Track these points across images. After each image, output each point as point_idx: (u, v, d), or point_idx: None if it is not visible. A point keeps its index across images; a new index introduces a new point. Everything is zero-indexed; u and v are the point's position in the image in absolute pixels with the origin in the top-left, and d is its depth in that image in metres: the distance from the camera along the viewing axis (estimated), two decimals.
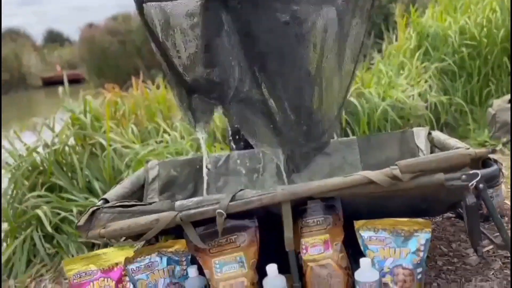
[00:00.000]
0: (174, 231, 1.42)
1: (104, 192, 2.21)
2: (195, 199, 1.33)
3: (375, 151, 1.87)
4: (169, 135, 2.87)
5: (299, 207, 1.34)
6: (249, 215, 1.35)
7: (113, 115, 2.88)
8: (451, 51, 3.23)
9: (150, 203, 1.43)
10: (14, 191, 2.16)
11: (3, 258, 2.00)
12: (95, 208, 1.37)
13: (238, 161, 1.95)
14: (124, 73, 12.20)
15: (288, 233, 1.28)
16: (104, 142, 2.34)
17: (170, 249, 1.38)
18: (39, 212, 2.00)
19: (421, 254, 1.22)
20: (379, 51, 3.95)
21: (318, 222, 1.32)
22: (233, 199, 1.28)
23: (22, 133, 2.40)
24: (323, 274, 1.27)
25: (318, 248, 1.29)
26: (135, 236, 1.37)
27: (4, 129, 2.37)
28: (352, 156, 1.90)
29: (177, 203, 1.33)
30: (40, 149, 2.28)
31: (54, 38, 30.00)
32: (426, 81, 3.04)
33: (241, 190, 1.32)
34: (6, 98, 16.30)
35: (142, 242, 1.50)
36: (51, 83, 17.58)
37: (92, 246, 2.03)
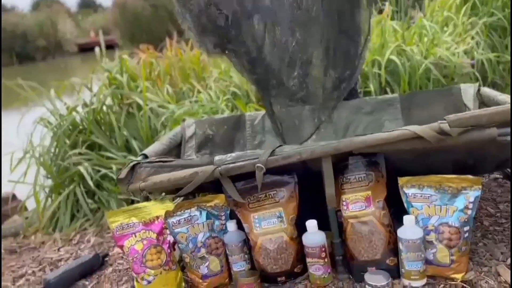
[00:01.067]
0: (212, 188, 1.43)
1: (141, 150, 2.26)
2: (233, 154, 1.32)
3: (418, 110, 1.79)
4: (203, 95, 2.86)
5: (340, 163, 1.31)
6: (288, 171, 1.34)
7: (148, 76, 2.89)
8: (501, 5, 3.02)
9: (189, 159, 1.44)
10: (57, 149, 2.22)
11: (48, 212, 2.08)
12: (135, 162, 1.38)
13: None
14: (157, 38, 12.16)
15: (329, 189, 1.25)
16: (140, 102, 2.35)
17: (209, 204, 1.39)
18: (81, 168, 2.05)
19: (469, 212, 1.17)
20: (420, 8, 3.74)
21: (360, 179, 1.28)
22: (272, 154, 1.26)
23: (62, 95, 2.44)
24: (364, 230, 1.24)
25: (359, 204, 1.26)
26: (174, 190, 1.38)
27: (45, 90, 2.41)
28: (393, 115, 1.83)
29: (216, 157, 1.32)
30: (79, 108, 2.32)
31: (88, 4, 30.22)
32: (472, 38, 2.86)
33: (280, 146, 1.30)
34: (43, 64, 16.74)
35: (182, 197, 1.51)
36: (86, 49, 17.88)
37: (131, 203, 2.08)
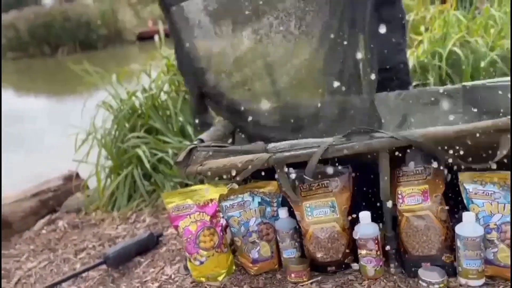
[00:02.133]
0: (264, 174, 1.45)
1: (196, 136, 2.32)
2: (288, 142, 1.32)
3: (482, 102, 1.71)
4: None
5: (397, 155, 1.28)
6: (343, 161, 1.32)
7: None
8: None
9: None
10: (117, 132, 2.33)
11: (108, 192, 2.19)
12: (192, 146, 1.42)
13: None
14: None
15: (384, 183, 1.23)
16: None
17: (262, 190, 1.41)
18: (139, 151, 2.14)
19: None
20: None
21: (417, 172, 1.25)
22: (327, 145, 1.25)
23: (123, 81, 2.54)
24: (420, 225, 1.21)
25: (415, 198, 1.23)
26: (229, 174, 1.41)
27: (108, 75, 2.53)
28: (454, 107, 1.75)
29: (270, 145, 1.33)
30: (138, 94, 2.41)
31: None
32: None
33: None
34: (104, 52, 17.46)
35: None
36: (144, 38, 18.43)
37: (185, 186, 2.14)
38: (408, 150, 1.27)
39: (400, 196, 1.25)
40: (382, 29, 1.76)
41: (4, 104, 9.23)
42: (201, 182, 1.49)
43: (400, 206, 1.25)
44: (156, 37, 2.66)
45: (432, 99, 1.76)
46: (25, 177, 3.58)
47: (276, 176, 1.34)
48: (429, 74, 2.53)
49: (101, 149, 2.25)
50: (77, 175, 2.39)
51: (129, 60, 15.36)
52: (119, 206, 2.14)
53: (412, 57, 2.59)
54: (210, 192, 1.44)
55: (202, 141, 1.55)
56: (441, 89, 1.77)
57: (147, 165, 2.10)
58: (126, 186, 2.17)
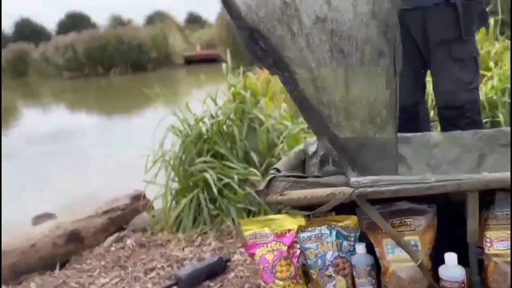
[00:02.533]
0: (339, 208, 1.45)
1: (260, 163, 2.36)
2: (371, 177, 1.32)
3: None
4: None
5: (485, 197, 1.26)
6: (428, 200, 1.31)
7: (266, 92, 3.01)
8: None
9: (318, 177, 1.48)
10: (184, 155, 2.41)
11: (174, 213, 2.25)
12: (272, 175, 1.45)
13: (401, 143, 1.89)
14: None
15: (473, 225, 1.21)
16: (262, 117, 2.46)
17: (340, 224, 1.41)
18: (206, 175, 2.20)
19: None
20: None
21: (508, 216, 1.22)
22: (413, 183, 1.25)
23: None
24: (510, 271, 1.17)
25: (505, 243, 1.19)
26: (309, 206, 1.43)
27: (177, 100, 2.64)
28: None
29: (353, 179, 1.34)
30: (206, 120, 2.50)
31: (195, 20, 32.31)
32: None
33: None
34: (152, 74, 18.19)
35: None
36: (192, 61, 19.07)
37: (248, 212, 2.18)
38: (497, 193, 1.24)
39: (488, 240, 1.22)
40: (453, 67, 1.77)
41: (57, 120, 9.75)
42: (279, 212, 1.51)
43: (488, 250, 1.22)
44: (224, 66, 2.76)
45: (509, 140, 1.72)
46: (82, 194, 3.77)
47: (356, 210, 1.34)
48: (499, 111, 2.48)
49: (170, 172, 2.33)
50: (144, 195, 2.48)
51: (177, 83, 15.94)
52: (184, 228, 2.19)
53: (480, 93, 2.55)
54: (287, 222, 1.45)
55: (278, 170, 1.59)
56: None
57: (214, 190, 2.15)
58: (192, 209, 2.22)
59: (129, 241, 2.17)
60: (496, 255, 1.20)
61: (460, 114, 1.80)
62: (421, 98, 1.95)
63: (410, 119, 1.93)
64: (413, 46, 1.82)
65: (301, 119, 2.81)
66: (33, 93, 17.24)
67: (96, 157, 5.31)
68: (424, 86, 1.97)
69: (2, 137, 7.87)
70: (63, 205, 3.39)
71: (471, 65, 1.77)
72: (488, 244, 1.22)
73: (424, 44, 1.79)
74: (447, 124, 1.85)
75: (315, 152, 1.98)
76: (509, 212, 1.22)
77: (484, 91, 2.59)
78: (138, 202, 2.44)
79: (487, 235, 1.22)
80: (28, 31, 33.23)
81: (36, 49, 22.41)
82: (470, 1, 1.68)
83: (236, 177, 2.22)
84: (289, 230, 1.45)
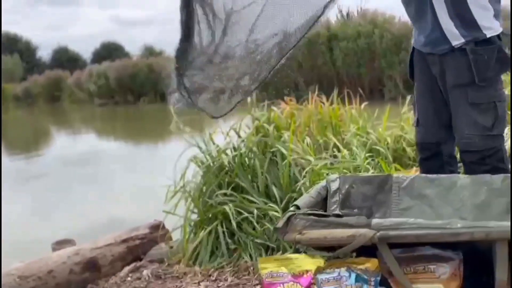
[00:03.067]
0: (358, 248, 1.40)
1: (281, 198, 2.33)
2: (394, 219, 1.29)
3: None
4: (339, 150, 2.89)
5: None
6: (452, 246, 1.26)
7: (289, 126, 3.01)
8: None
9: (339, 215, 1.45)
10: (204, 187, 2.41)
11: (192, 245, 2.23)
12: (291, 213, 1.42)
13: (426, 184, 1.84)
14: (285, 87, 12.73)
15: (502, 275, 1.14)
16: (284, 151, 2.45)
17: (360, 266, 1.36)
18: (226, 208, 2.18)
19: None
20: None
21: None
22: (438, 227, 1.20)
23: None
24: None
25: None
26: (327, 247, 1.39)
27: (202, 131, 2.67)
28: None
29: (374, 221, 1.30)
30: (228, 152, 2.50)
31: None
32: None
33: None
34: None
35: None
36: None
37: (267, 248, 2.14)
38: None
39: None
40: (469, 111, 1.72)
41: (86, 145, 10.00)
42: (297, 251, 1.47)
43: None
44: (249, 99, 2.78)
45: None
46: (104, 219, 3.81)
47: (377, 253, 1.29)
48: None
49: (190, 203, 2.33)
50: (163, 225, 2.48)
51: (203, 113, 16.16)
52: (201, 261, 2.16)
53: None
54: (306, 262, 1.41)
55: (298, 207, 1.56)
56: None
57: (233, 223, 2.13)
58: (210, 241, 2.20)
59: (145, 272, 2.15)
60: None
61: (480, 160, 1.74)
62: (445, 137, 1.89)
63: (432, 158, 1.88)
64: (437, 85, 1.80)
65: (323, 153, 2.79)
66: (65, 119, 17.83)
67: (120, 184, 5.38)
68: (449, 126, 1.92)
69: (35, 158, 8.13)
70: (85, 229, 3.43)
71: (490, 111, 1.71)
72: None
73: (444, 86, 1.77)
74: (468, 169, 1.79)
75: (337, 189, 1.95)
76: None
77: None
78: (157, 232, 2.44)
79: None
80: (65, 59, 34.71)
81: (71, 76, 23.29)
82: (482, 47, 1.65)
83: (255, 211, 2.19)
84: (307, 271, 1.40)
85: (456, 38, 1.67)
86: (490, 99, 1.71)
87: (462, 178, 1.75)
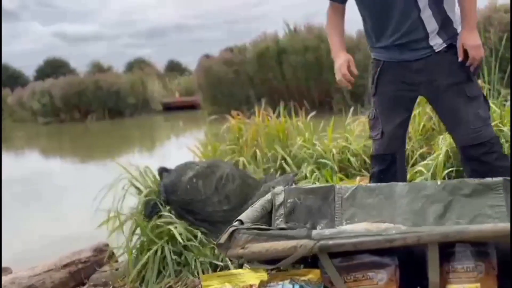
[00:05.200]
0: (304, 260, 1.42)
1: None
2: (333, 230, 1.31)
3: None
4: (287, 162, 2.93)
5: (446, 249, 1.25)
6: (389, 252, 1.29)
7: (237, 141, 3.02)
8: None
9: (284, 229, 1.45)
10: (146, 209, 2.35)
11: (137, 267, 2.16)
12: (233, 228, 1.42)
13: (367, 194, 1.89)
14: (237, 101, 12.83)
15: (434, 277, 1.19)
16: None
17: (303, 278, 1.37)
18: (171, 228, 2.14)
19: None
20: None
21: (468, 269, 1.21)
22: (374, 235, 1.24)
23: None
24: None
25: None
26: (271, 260, 1.39)
27: (154, 146, 2.61)
28: (496, 201, 1.72)
29: (314, 231, 1.32)
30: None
31: (175, 67, 32.82)
32: None
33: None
34: (130, 120, 18.13)
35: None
36: (171, 108, 19.15)
37: (216, 266, 2.11)
38: (456, 245, 1.24)
39: None
40: (470, 106, 1.81)
41: (29, 165, 9.50)
42: (240, 266, 1.46)
43: None
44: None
45: (472, 191, 1.73)
46: (46, 241, 3.60)
47: (319, 264, 1.31)
48: None
49: (134, 223, 2.26)
50: (107, 247, 2.38)
51: (154, 129, 15.92)
52: (148, 282, 2.10)
53: None
54: (249, 277, 1.40)
55: (241, 222, 1.55)
56: (481, 181, 1.74)
57: (179, 243, 2.08)
58: (156, 262, 2.14)
59: None
60: None
61: (488, 150, 1.80)
62: (401, 147, 1.98)
63: (388, 168, 1.96)
64: (405, 95, 1.87)
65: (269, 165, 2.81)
66: (6, 137, 16.88)
67: (66, 204, 5.14)
68: (404, 136, 1.99)
69: None
70: (24, 253, 3.23)
71: (484, 102, 1.84)
72: None
73: (431, 90, 1.83)
74: (476, 163, 1.82)
75: (282, 202, 1.96)
76: (469, 266, 1.21)
77: (449, 141, 2.65)
78: (101, 254, 2.34)
79: None
80: (5, 76, 33.02)
81: (12, 94, 22.18)
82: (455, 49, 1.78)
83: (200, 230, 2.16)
84: (251, 286, 1.39)
85: (439, 42, 1.78)
86: (481, 91, 1.85)
87: (400, 186, 1.82)
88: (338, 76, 1.88)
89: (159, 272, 2.15)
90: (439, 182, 1.77)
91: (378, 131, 1.93)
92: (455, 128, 1.86)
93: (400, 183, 1.86)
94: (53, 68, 31.17)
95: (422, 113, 2.98)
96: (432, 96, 1.88)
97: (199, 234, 2.18)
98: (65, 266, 2.21)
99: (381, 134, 1.92)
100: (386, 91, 1.91)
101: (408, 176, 2.26)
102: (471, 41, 1.73)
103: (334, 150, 3.02)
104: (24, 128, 18.58)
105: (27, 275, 2.12)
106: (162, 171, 2.36)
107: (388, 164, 1.95)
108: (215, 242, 2.08)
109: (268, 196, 1.96)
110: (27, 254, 3.05)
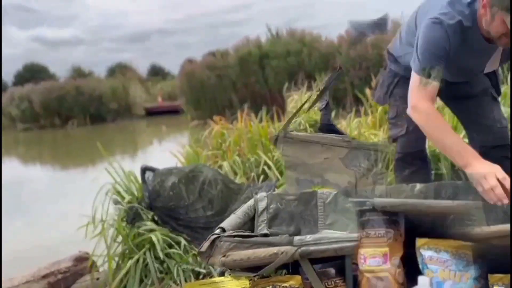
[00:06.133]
0: (286, 266, 1.42)
1: None
2: (315, 235, 1.32)
3: None
4: (269, 167, 2.93)
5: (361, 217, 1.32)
6: None
7: (219, 146, 3.01)
8: None
9: (267, 235, 1.46)
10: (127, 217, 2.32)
11: (119, 276, 2.13)
12: (215, 236, 1.41)
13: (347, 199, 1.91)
14: (219, 106, 12.81)
15: None
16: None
17: (284, 284, 1.37)
18: (152, 236, 2.12)
19: (483, 281, 1.16)
20: None
21: (380, 235, 1.28)
22: (353, 240, 1.26)
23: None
24: (379, 286, 1.24)
25: (377, 260, 1.27)
26: (253, 267, 1.39)
27: (136, 151, 2.59)
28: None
29: (296, 238, 1.32)
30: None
31: (157, 72, 32.58)
32: None
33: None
34: (112, 125, 17.93)
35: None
36: (153, 113, 19.00)
37: (198, 274, 2.10)
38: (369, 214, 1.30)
39: (362, 257, 1.28)
40: (497, 107, 1.87)
41: (8, 172, 9.32)
42: (222, 274, 1.46)
43: (362, 266, 1.27)
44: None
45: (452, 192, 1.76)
46: (25, 252, 3.52)
47: (300, 270, 1.32)
48: (441, 163, 2.57)
49: (115, 232, 2.23)
50: (88, 256, 2.34)
51: (137, 134, 15.76)
52: None
53: None
54: (231, 285, 1.40)
55: (223, 229, 1.55)
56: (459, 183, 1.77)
57: (159, 252, 2.06)
58: (138, 270, 2.11)
59: None
60: (368, 271, 1.26)
61: (507, 151, 1.82)
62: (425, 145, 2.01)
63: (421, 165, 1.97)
64: None
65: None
66: None
67: (44, 213, 5.05)
68: None
69: None
70: (2, 264, 3.16)
71: (499, 105, 1.90)
72: (362, 261, 1.27)
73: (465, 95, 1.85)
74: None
75: (265, 208, 1.96)
76: (381, 232, 1.27)
77: (428, 144, 2.69)
78: (82, 264, 2.30)
79: (362, 252, 1.28)
80: None
81: None
82: None
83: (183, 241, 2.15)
84: None
85: None
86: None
87: (380, 188, 1.85)
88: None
89: (141, 281, 2.12)
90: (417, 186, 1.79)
91: (402, 127, 1.88)
92: (479, 128, 1.85)
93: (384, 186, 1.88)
94: (32, 73, 30.60)
95: None
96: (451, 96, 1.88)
97: (182, 240, 2.16)
98: (44, 277, 2.17)
99: (405, 130, 1.86)
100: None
101: None
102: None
103: None
104: (2, 135, 18.22)
105: (5, 287, 2.06)
106: (145, 169, 2.33)
107: (420, 164, 1.94)
108: (197, 250, 2.08)
109: (251, 202, 1.96)
110: (4, 265, 2.98)
